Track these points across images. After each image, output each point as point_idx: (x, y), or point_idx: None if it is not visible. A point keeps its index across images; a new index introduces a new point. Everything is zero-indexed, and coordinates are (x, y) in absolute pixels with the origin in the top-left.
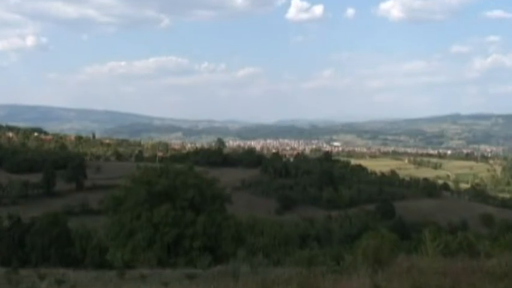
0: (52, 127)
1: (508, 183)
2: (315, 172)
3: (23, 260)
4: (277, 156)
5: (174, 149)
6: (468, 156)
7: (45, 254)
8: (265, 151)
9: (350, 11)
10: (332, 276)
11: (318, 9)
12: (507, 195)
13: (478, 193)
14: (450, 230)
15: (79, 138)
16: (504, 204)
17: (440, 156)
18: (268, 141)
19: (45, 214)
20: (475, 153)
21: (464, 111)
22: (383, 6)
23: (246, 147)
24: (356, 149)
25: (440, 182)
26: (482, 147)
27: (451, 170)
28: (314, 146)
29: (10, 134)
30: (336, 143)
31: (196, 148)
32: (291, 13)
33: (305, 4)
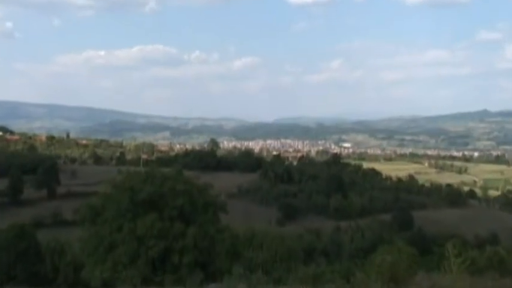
0: (19, 125)
1: None
2: (321, 177)
3: None
4: (278, 159)
5: (161, 151)
6: (498, 159)
7: (11, 273)
8: (264, 153)
9: None
10: None
11: None
12: None
13: (510, 201)
14: (477, 244)
15: (51, 138)
16: None
17: (465, 159)
18: (268, 141)
19: (11, 226)
20: (506, 156)
21: (493, 107)
22: None
23: (243, 148)
24: (369, 150)
25: (465, 188)
26: None
27: (479, 175)
28: (321, 148)
29: None
30: (345, 144)
31: (186, 150)
32: None
33: None
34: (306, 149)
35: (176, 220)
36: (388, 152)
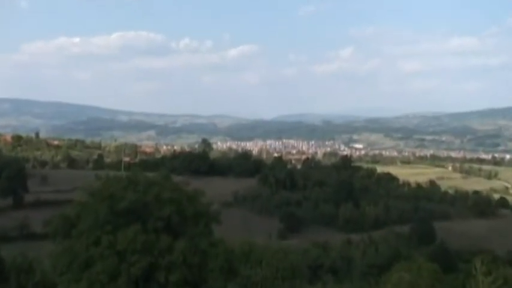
0: None
1: None
2: (329, 183)
3: None
4: (280, 161)
5: (145, 153)
6: None
7: None
8: (264, 155)
9: None
10: None
11: None
12: None
13: None
14: (510, 260)
15: (17, 138)
16: None
17: (495, 162)
18: (269, 142)
19: None
20: None
21: None
22: None
23: (240, 150)
24: (383, 152)
25: (496, 196)
26: None
27: (511, 181)
28: (328, 149)
29: None
30: (357, 145)
31: (174, 151)
32: None
33: None
34: (311, 150)
35: (162, 232)
36: (406, 154)
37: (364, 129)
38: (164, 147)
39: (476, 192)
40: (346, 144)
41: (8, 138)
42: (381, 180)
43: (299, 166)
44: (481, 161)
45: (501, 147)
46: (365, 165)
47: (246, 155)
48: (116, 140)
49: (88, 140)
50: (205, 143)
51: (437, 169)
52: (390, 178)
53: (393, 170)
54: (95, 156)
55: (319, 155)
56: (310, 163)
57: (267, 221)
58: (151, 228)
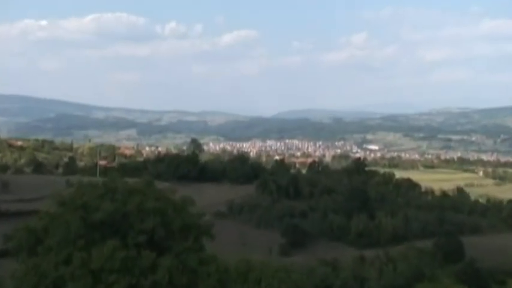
0: None
1: None
2: (339, 190)
3: None
4: (282, 165)
5: (125, 155)
6: None
7: None
8: (263, 158)
9: None
10: None
11: None
12: None
13: None
14: None
15: None
16: None
17: None
18: (269, 142)
19: None
20: None
21: None
22: None
23: (235, 152)
24: (403, 154)
25: None
26: None
27: None
28: (338, 151)
29: None
30: (371, 146)
31: (159, 153)
32: None
33: None
34: (318, 152)
35: (145, 248)
36: (429, 156)
37: (380, 127)
38: (147, 148)
39: (511, 202)
40: (359, 145)
41: None
42: (399, 188)
43: (304, 171)
44: None
45: None
46: (381, 170)
47: (242, 158)
48: (90, 141)
49: (57, 141)
50: (195, 144)
51: (466, 174)
52: (411, 185)
53: (414, 176)
54: (66, 160)
55: (328, 158)
56: (317, 167)
57: (266, 234)
58: (131, 243)
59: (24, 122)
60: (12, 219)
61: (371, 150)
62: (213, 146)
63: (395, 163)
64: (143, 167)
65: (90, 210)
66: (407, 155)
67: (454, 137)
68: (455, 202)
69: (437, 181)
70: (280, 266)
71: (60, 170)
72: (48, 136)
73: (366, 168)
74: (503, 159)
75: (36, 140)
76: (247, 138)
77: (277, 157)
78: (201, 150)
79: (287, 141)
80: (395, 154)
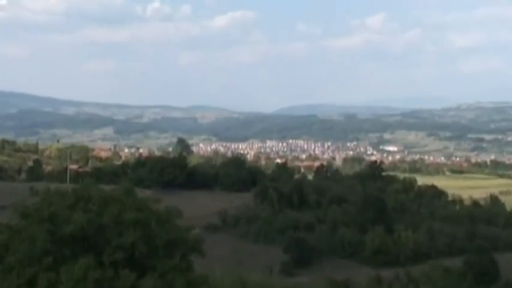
0: None
1: None
2: (352, 199)
3: None
4: (284, 170)
5: (100, 158)
6: None
7: None
8: (262, 161)
9: None
10: None
11: None
12: None
13: None
14: None
15: None
16: None
17: None
18: (269, 143)
19: None
20: None
21: None
22: None
23: (229, 153)
24: (427, 157)
25: None
26: None
27: None
28: (351, 153)
29: None
30: (390, 147)
31: (140, 156)
32: None
33: None
34: (327, 154)
35: (124, 267)
36: (457, 159)
37: (399, 125)
38: (126, 150)
39: None
40: (375, 146)
41: None
42: (422, 196)
43: (310, 176)
44: None
45: None
46: (401, 175)
47: (237, 161)
48: (58, 141)
49: (20, 141)
50: (183, 145)
51: (501, 180)
52: (436, 193)
53: (440, 182)
54: (30, 163)
55: (338, 161)
56: (326, 172)
57: (266, 250)
58: (108, 261)
59: None
60: None
61: (389, 152)
62: (203, 147)
63: (417, 167)
64: (121, 171)
65: (59, 222)
66: (431, 158)
67: (486, 137)
68: (488, 213)
69: (466, 188)
70: (282, 287)
71: (24, 175)
72: (9, 136)
73: (383, 174)
74: None
75: None
76: (243, 138)
77: (278, 160)
78: (190, 152)
79: (290, 141)
80: (417, 157)
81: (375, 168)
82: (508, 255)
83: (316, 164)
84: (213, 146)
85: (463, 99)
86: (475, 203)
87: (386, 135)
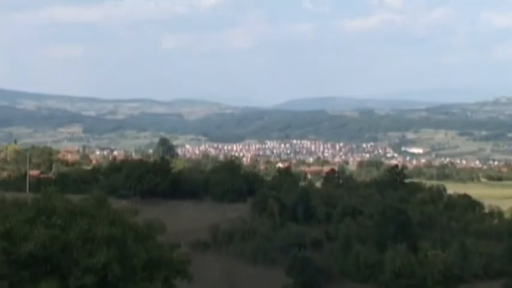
0: None
1: None
2: (368, 211)
3: None
4: (287, 176)
5: (66, 162)
6: None
7: None
8: (261, 166)
9: None
10: None
11: None
12: None
13: None
14: None
15: None
16: None
17: None
18: (269, 144)
19: None
20: None
21: None
22: None
23: (221, 156)
24: (458, 161)
25: None
26: None
27: None
28: (367, 155)
29: None
30: (414, 149)
31: (115, 159)
32: None
33: None
34: (338, 158)
35: None
36: (494, 163)
37: (425, 123)
38: (97, 152)
39: None
40: (397, 147)
41: None
42: (453, 207)
43: (319, 183)
44: None
45: None
46: (427, 183)
47: (231, 166)
48: (16, 141)
49: None
50: (166, 146)
51: None
52: (469, 203)
53: (474, 191)
54: None
55: (352, 166)
56: (337, 179)
57: (266, 273)
58: (75, 285)
59: None
60: None
61: (413, 155)
62: (190, 149)
63: (446, 173)
64: (92, 178)
65: (17, 239)
66: (463, 162)
67: None
68: None
69: (506, 198)
70: None
71: None
72: None
73: (406, 181)
74: None
75: None
76: (238, 138)
77: (280, 164)
78: (174, 154)
79: (294, 142)
80: (446, 160)
81: (396, 174)
82: None
83: (326, 169)
84: (202, 148)
85: (501, 91)
86: None
87: (410, 135)
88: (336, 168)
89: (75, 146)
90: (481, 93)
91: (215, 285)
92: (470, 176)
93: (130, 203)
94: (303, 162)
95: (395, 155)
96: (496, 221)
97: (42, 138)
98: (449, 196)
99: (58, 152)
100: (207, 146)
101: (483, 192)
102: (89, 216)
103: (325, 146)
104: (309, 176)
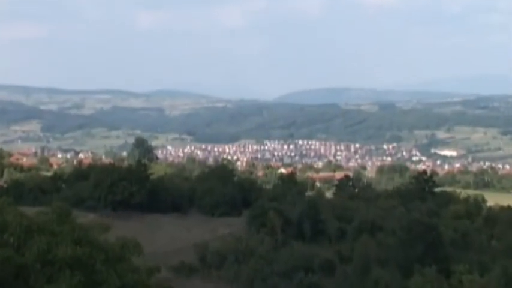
0: None
1: None
2: (390, 227)
3: None
4: (291, 184)
5: (21, 167)
6: None
7: None
8: (259, 172)
9: None
10: None
11: None
12: None
13: None
14: None
15: None
16: None
17: None
18: (269, 145)
19: None
20: None
21: None
22: None
23: (211, 160)
24: (500, 165)
25: None
26: None
27: None
28: (389, 159)
29: None
30: (445, 151)
31: (80, 164)
32: None
33: None
34: (353, 161)
35: None
36: None
37: (460, 119)
38: (59, 155)
39: None
40: (424, 149)
41: None
42: (494, 223)
43: (329, 193)
44: None
45: None
46: (462, 192)
47: (223, 172)
48: None
49: None
50: (143, 148)
51: None
52: None
53: None
54: None
55: (371, 172)
56: (353, 187)
57: None
58: None
59: None
60: None
61: (445, 159)
62: (173, 151)
63: (486, 181)
64: (52, 187)
65: None
66: (507, 167)
67: None
68: None
69: None
70: None
71: None
72: None
73: (436, 190)
74: None
75: None
76: (231, 138)
77: (283, 170)
78: (153, 157)
79: (300, 142)
80: (486, 165)
81: (424, 182)
82: None
83: (338, 175)
84: (188, 150)
85: None
86: None
87: (441, 134)
88: (351, 174)
89: (32, 147)
90: None
91: None
92: (506, 182)
93: (100, 217)
94: (311, 167)
95: (423, 158)
96: None
97: None
98: (490, 209)
99: (11, 154)
100: (193, 148)
101: None
102: (49, 234)
103: (338, 147)
104: (317, 184)
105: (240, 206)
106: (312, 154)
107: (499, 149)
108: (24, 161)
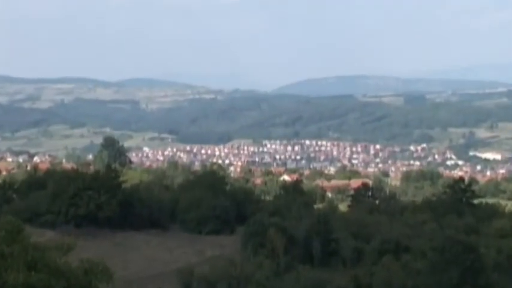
0: None
1: None
2: (419, 247)
3: None
4: (297, 194)
5: None
6: None
7: None
8: (256, 179)
9: None
10: None
11: None
12: None
13: None
14: None
15: None
16: None
17: None
18: (269, 146)
19: None
20: None
21: None
22: None
23: (197, 164)
24: None
25: None
26: None
27: None
28: (417, 163)
29: None
30: (487, 154)
31: (36, 169)
32: None
33: None
34: (373, 166)
35: None
36: None
37: (505, 114)
38: (9, 158)
39: None
40: (461, 151)
41: None
42: None
43: (344, 206)
44: None
45: None
46: (508, 204)
47: (212, 179)
48: None
49: None
50: (114, 149)
51: None
52: None
53: None
54: None
55: (395, 178)
56: (372, 198)
57: None
58: None
59: None
60: None
61: (487, 163)
62: (150, 154)
63: None
64: (2, 198)
65: None
66: None
67: None
68: None
69: None
70: None
71: None
72: None
73: (476, 201)
74: None
75: None
76: (222, 137)
77: (286, 177)
78: (126, 161)
79: (307, 142)
80: None
81: (462, 192)
82: None
83: (355, 183)
84: (168, 151)
85: None
86: None
87: (481, 132)
88: (370, 182)
89: None
90: None
91: None
92: None
93: (60, 235)
94: (320, 174)
95: (460, 162)
96: None
97: None
98: None
99: None
100: (175, 149)
101: None
102: (5, 259)
103: (354, 149)
104: (329, 194)
105: (233, 221)
106: (322, 157)
107: None
108: None
